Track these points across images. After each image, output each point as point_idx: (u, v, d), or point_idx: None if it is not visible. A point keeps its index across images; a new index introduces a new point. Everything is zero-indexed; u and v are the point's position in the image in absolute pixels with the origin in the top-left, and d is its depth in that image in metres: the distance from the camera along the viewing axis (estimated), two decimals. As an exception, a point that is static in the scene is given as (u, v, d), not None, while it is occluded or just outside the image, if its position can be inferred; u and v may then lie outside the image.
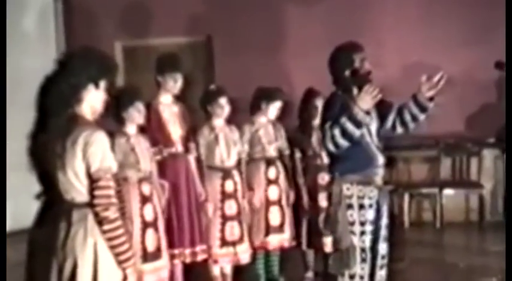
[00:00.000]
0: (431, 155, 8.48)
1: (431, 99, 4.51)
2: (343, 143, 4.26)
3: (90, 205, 3.26)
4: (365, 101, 4.21)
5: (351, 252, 4.38)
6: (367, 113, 4.25)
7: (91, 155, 3.24)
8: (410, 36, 8.57)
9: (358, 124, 4.22)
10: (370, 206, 4.41)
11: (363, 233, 4.39)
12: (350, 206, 4.39)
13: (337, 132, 4.24)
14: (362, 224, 4.39)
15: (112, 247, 3.27)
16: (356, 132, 4.24)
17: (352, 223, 4.39)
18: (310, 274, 6.25)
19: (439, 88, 4.42)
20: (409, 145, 8.07)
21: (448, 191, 8.27)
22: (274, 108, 6.01)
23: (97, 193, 3.24)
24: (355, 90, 4.40)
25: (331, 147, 4.30)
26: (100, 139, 3.28)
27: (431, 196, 8.41)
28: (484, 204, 8.32)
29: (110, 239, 3.26)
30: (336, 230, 4.43)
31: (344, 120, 4.22)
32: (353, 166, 4.39)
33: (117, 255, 3.29)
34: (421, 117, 4.53)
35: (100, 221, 3.24)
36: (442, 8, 8.58)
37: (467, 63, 8.39)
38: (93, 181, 3.25)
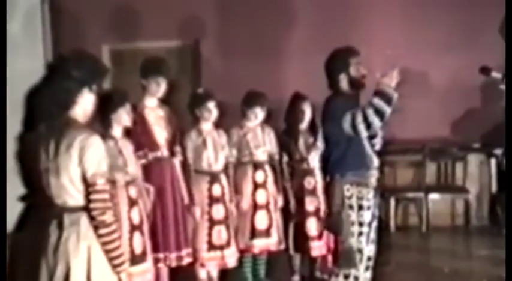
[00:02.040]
0: (417, 160, 8.52)
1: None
2: (377, 121, 4.34)
3: (86, 208, 3.25)
4: (391, 78, 4.38)
5: (356, 251, 4.47)
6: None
7: (87, 160, 3.24)
8: (396, 42, 8.60)
9: (389, 100, 4.32)
10: (368, 207, 4.49)
11: (360, 234, 4.45)
12: (350, 207, 4.46)
13: (370, 111, 4.31)
14: (360, 224, 4.46)
15: (107, 251, 3.27)
16: (387, 109, 4.33)
17: (351, 224, 4.46)
18: (296, 278, 6.25)
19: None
20: (395, 149, 8.09)
21: (433, 196, 8.31)
22: (253, 114, 6.01)
23: (93, 197, 3.24)
24: (377, 75, 4.50)
25: (362, 128, 4.36)
26: (96, 143, 3.29)
27: (417, 201, 8.45)
28: (470, 208, 8.37)
29: (105, 243, 3.26)
30: (341, 230, 4.48)
31: (376, 100, 4.32)
32: (353, 167, 4.48)
33: (111, 259, 3.29)
34: (388, 110, 4.43)
35: (96, 225, 3.24)
36: (428, 14, 8.61)
37: (452, 68, 8.45)
38: (89, 185, 3.25)
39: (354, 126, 4.35)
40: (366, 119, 4.32)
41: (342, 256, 4.53)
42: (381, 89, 4.37)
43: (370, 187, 4.51)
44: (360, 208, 4.46)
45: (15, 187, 3.58)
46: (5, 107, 6.44)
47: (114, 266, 3.30)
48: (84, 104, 3.41)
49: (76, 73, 3.34)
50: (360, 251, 4.47)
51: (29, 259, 3.34)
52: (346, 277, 4.47)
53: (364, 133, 4.40)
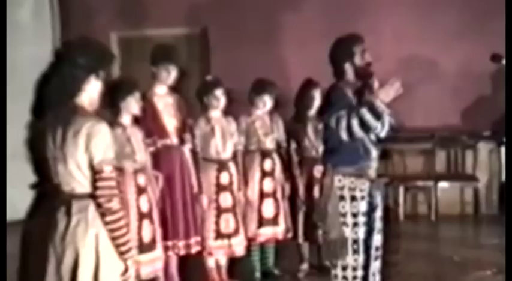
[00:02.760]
0: (427, 148, 8.49)
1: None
2: (360, 134, 4.25)
3: (92, 196, 3.25)
4: (388, 94, 4.21)
5: (338, 243, 4.39)
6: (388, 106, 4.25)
7: (94, 147, 3.23)
8: (406, 28, 8.57)
9: (378, 116, 4.21)
10: (362, 198, 4.41)
11: (355, 224, 4.40)
12: (342, 198, 4.39)
13: (355, 122, 4.21)
14: (354, 215, 4.40)
15: (114, 238, 3.28)
16: (374, 124, 4.23)
17: (344, 214, 4.39)
18: (305, 266, 6.25)
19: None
20: (404, 137, 8.07)
21: (443, 184, 8.28)
22: (261, 102, 6.00)
23: (100, 184, 3.25)
24: (375, 84, 4.40)
25: (344, 136, 4.26)
26: (103, 130, 3.28)
27: (426, 189, 8.43)
28: (479, 197, 8.34)
29: (112, 230, 3.27)
30: (325, 221, 4.43)
31: (364, 111, 4.19)
32: (347, 159, 4.39)
33: (118, 246, 3.29)
34: (374, 124, 4.30)
35: (103, 212, 3.25)
36: (437, 0, 8.57)
37: (462, 55, 8.41)
38: (95, 172, 3.25)
39: (337, 129, 4.30)
40: (349, 128, 4.22)
41: (325, 247, 4.49)
42: (370, 101, 4.23)
43: (365, 177, 4.43)
44: (353, 198, 4.38)
45: (27, 175, 3.57)
46: (5, 100, 6.47)
47: (121, 253, 3.30)
48: (91, 91, 3.41)
49: (83, 60, 3.34)
50: (356, 241, 4.42)
51: (39, 246, 3.34)
52: (344, 268, 4.44)
53: (346, 139, 4.33)
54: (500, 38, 7.49)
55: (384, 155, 8.08)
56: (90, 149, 3.23)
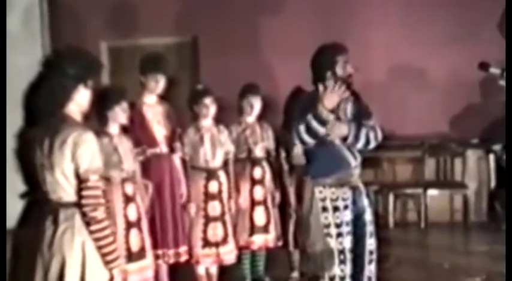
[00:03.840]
0: (416, 156, 8.51)
1: None
2: (308, 140, 4.29)
3: (78, 205, 3.26)
4: (330, 99, 4.23)
5: (325, 255, 4.36)
6: (332, 111, 4.27)
7: (80, 156, 3.25)
8: (396, 37, 8.59)
9: (322, 122, 4.23)
10: (346, 207, 4.39)
11: (339, 234, 4.37)
12: (324, 209, 4.37)
13: (302, 128, 4.25)
14: (338, 226, 4.37)
15: (99, 247, 3.29)
16: (320, 130, 4.25)
17: (328, 226, 4.37)
18: (295, 274, 6.25)
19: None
20: (394, 145, 8.09)
21: (432, 192, 8.31)
22: (248, 105, 6.01)
23: (85, 193, 3.25)
24: (320, 88, 4.41)
25: (297, 143, 4.33)
26: (89, 140, 3.30)
27: (415, 196, 8.45)
28: (468, 204, 8.36)
29: (97, 240, 3.28)
30: (308, 234, 4.40)
31: (309, 117, 4.23)
32: (324, 169, 4.39)
33: (104, 255, 3.30)
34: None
35: (88, 222, 3.26)
36: (427, 8, 8.60)
37: (451, 63, 8.44)
38: (81, 181, 3.26)
39: (291, 135, 4.35)
40: (298, 134, 4.27)
41: (312, 261, 4.44)
42: (315, 109, 4.26)
43: (346, 186, 4.41)
44: (336, 209, 4.37)
45: (16, 184, 3.58)
46: (5, 105, 6.45)
47: (107, 263, 3.31)
48: (80, 100, 3.42)
49: (71, 70, 3.35)
50: (342, 251, 4.40)
51: (28, 254, 3.35)
52: (331, 279, 4.42)
53: (299, 144, 4.37)
54: (489, 46, 7.57)
55: (374, 163, 8.13)
56: (76, 158, 3.25)
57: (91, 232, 3.26)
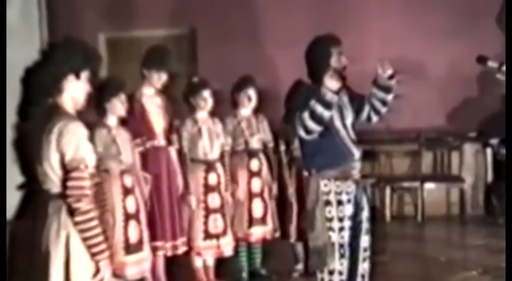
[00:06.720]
0: (413, 149, 8.53)
1: (391, 78, 4.44)
2: (313, 126, 4.20)
3: (63, 195, 3.22)
4: (333, 81, 4.21)
5: (329, 249, 4.34)
6: (336, 93, 4.21)
7: (64, 145, 3.20)
8: (393, 29, 8.58)
9: (327, 105, 4.17)
10: (349, 201, 4.37)
11: (341, 229, 4.36)
12: (328, 203, 4.35)
13: (306, 115, 4.19)
14: (340, 220, 4.35)
15: (84, 239, 3.22)
16: (325, 113, 4.18)
17: (331, 219, 4.35)
18: (300, 266, 6.20)
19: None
20: (391, 138, 8.10)
21: (429, 185, 8.32)
22: (246, 96, 6.00)
23: (69, 183, 3.20)
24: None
25: (302, 133, 4.25)
26: (74, 129, 3.24)
27: (412, 190, 8.46)
28: (465, 198, 8.38)
29: (82, 231, 3.21)
30: (314, 227, 4.38)
31: (313, 103, 4.17)
32: (329, 161, 4.33)
33: (89, 247, 3.23)
34: (389, 98, 4.47)
35: (72, 212, 3.20)
36: (425, 1, 8.60)
37: (449, 57, 8.43)
38: (66, 172, 3.21)
39: (295, 128, 4.32)
40: (302, 122, 4.22)
41: (315, 256, 4.40)
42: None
43: (350, 179, 4.38)
44: (339, 203, 4.34)
45: (15, 176, 3.58)
46: (5, 97, 6.44)
47: (93, 255, 3.24)
48: (72, 92, 3.35)
49: (62, 59, 3.31)
50: (342, 246, 4.39)
51: (24, 246, 3.34)
52: (331, 272, 4.41)
53: (305, 136, 4.33)
54: (488, 39, 7.58)
55: (371, 157, 8.13)
56: (61, 148, 3.20)
57: (75, 224, 3.20)
